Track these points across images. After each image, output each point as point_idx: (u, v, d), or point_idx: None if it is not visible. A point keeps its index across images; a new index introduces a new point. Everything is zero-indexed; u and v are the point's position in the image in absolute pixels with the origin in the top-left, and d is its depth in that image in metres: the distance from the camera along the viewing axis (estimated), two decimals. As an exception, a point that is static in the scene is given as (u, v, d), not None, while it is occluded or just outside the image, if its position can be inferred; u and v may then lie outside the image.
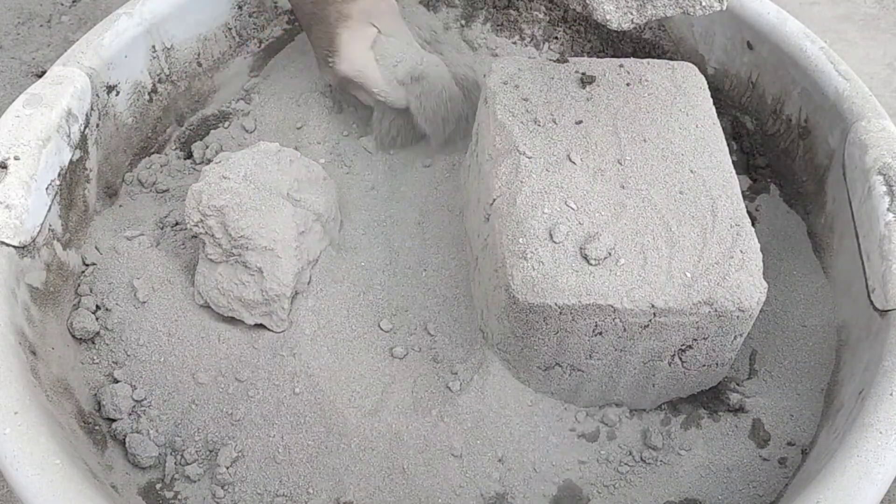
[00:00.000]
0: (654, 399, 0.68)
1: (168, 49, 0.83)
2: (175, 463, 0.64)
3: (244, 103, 0.88)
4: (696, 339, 0.63)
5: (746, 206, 0.74)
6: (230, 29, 0.89)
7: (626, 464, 0.66)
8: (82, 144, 0.73)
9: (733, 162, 0.69)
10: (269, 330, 0.69)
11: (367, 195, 0.81)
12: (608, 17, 0.57)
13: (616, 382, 0.66)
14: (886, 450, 0.54)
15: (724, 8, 0.58)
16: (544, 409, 0.67)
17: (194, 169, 0.83)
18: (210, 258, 0.68)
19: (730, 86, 0.87)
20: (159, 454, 0.64)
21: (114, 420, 0.65)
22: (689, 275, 0.61)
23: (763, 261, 0.63)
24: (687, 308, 0.60)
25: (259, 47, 0.91)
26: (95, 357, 0.67)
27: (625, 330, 0.62)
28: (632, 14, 0.57)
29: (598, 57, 0.86)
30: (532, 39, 0.93)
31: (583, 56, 0.93)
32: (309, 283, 0.71)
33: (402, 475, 0.64)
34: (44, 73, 0.83)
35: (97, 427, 0.64)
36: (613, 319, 0.61)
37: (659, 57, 0.89)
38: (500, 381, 0.67)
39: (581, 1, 0.58)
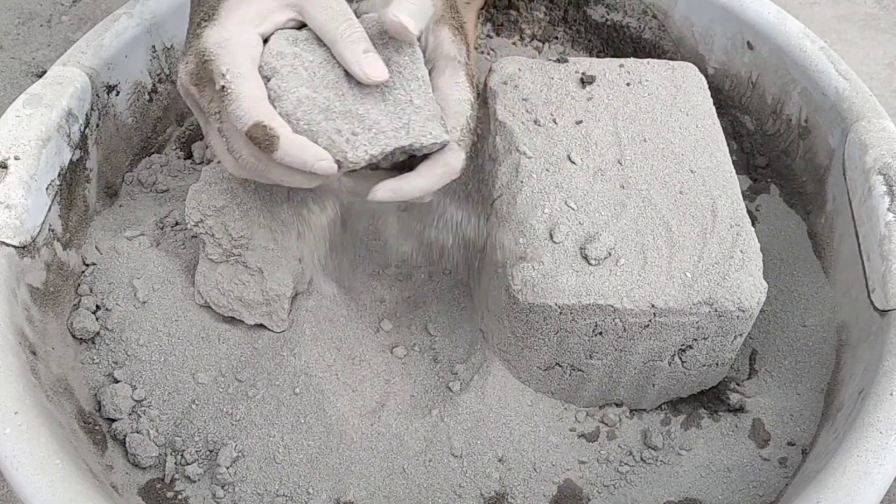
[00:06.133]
0: (654, 399, 0.68)
1: (168, 49, 0.83)
2: (175, 463, 0.64)
3: (244, 103, 0.88)
4: (696, 339, 0.63)
5: (746, 206, 0.74)
6: (230, 29, 0.88)
7: (626, 464, 0.66)
8: (82, 144, 0.72)
9: (733, 162, 0.69)
10: (269, 330, 0.69)
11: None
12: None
13: (616, 382, 0.66)
14: (886, 450, 0.54)
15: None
16: (544, 409, 0.67)
17: (194, 169, 0.83)
18: (210, 258, 0.68)
19: (730, 86, 0.87)
20: (159, 454, 0.64)
21: (114, 420, 0.65)
22: (689, 275, 0.61)
23: (763, 261, 0.63)
24: (687, 308, 0.60)
25: (259, 47, 0.91)
26: (95, 357, 0.67)
27: (625, 330, 0.62)
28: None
29: (598, 57, 0.86)
30: (532, 39, 0.93)
31: (583, 56, 0.93)
32: (309, 283, 0.71)
33: (402, 475, 0.64)
34: (44, 73, 0.83)
35: (97, 427, 0.64)
36: (613, 319, 0.61)
37: (659, 57, 0.89)
38: (500, 381, 0.67)
39: None
